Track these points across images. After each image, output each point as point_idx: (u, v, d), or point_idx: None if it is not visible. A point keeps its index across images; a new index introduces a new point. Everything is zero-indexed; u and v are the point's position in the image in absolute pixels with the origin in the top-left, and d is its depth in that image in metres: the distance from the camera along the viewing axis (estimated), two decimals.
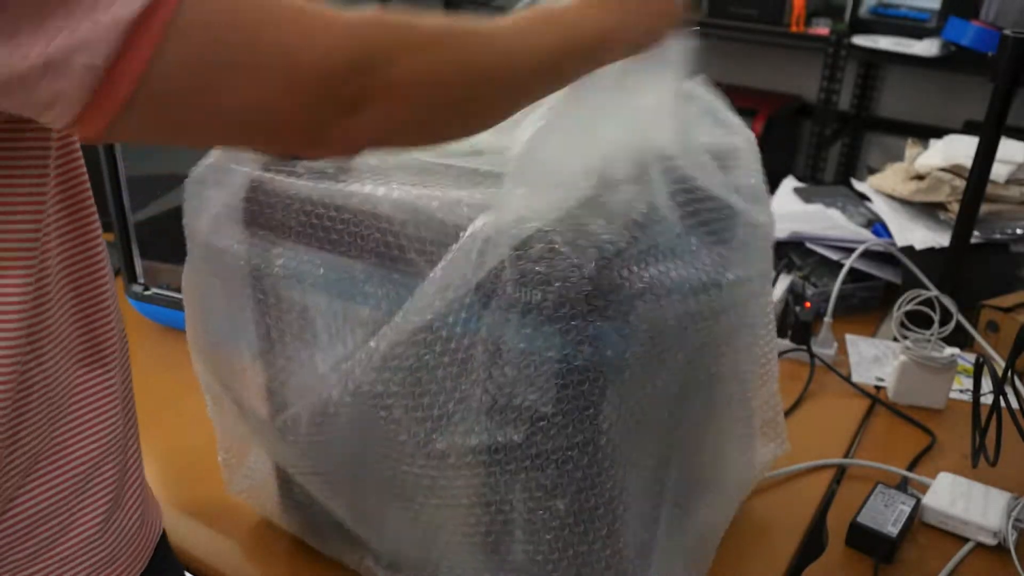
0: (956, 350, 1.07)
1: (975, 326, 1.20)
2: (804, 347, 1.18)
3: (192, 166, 0.73)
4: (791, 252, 1.37)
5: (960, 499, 0.89)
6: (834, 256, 1.33)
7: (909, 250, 1.28)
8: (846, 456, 1.01)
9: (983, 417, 0.91)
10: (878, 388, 1.14)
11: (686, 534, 0.74)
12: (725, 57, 3.12)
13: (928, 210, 1.35)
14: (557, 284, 0.57)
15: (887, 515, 0.86)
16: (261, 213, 0.69)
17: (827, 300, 1.24)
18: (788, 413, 0.93)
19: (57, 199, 0.58)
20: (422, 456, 0.66)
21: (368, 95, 0.47)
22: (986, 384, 0.91)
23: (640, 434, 0.63)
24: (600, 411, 0.59)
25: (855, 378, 1.16)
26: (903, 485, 0.92)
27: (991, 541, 0.86)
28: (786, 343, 1.19)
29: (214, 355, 0.78)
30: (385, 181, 0.64)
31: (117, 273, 1.20)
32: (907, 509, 0.87)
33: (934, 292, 1.12)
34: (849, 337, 1.25)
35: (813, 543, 0.88)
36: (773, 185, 1.36)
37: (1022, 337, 0.93)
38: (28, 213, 0.54)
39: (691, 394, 0.70)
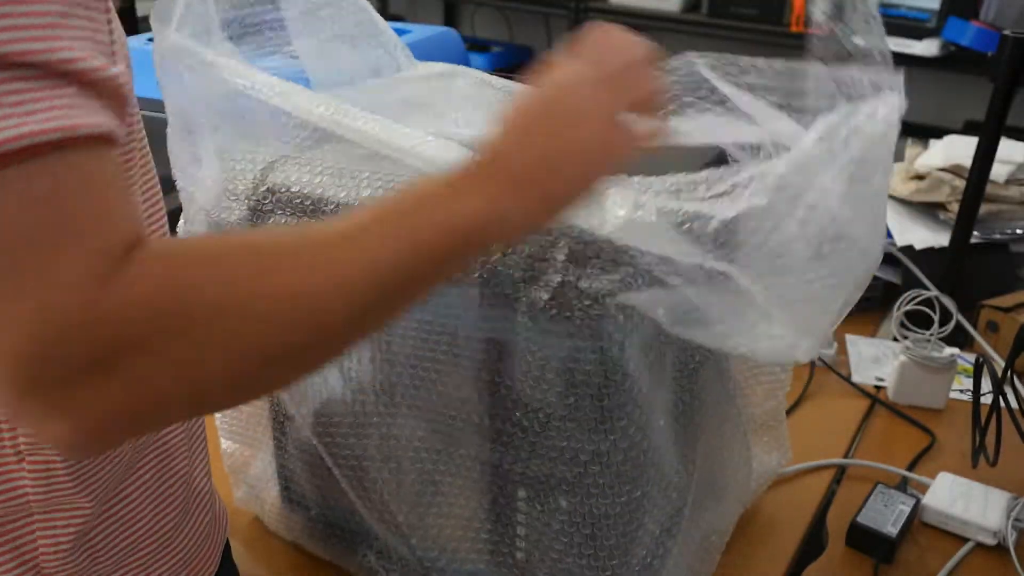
0: (956, 350, 1.07)
1: (975, 326, 1.20)
2: None
3: None
4: None
5: (960, 499, 0.89)
6: None
7: (909, 250, 1.27)
8: (846, 456, 1.01)
9: (983, 417, 0.91)
10: (878, 388, 1.14)
11: (691, 542, 0.74)
12: None
13: (928, 210, 1.34)
14: (565, 284, 0.57)
15: (887, 515, 0.86)
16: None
17: None
18: (788, 413, 0.93)
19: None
20: (429, 452, 0.66)
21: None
22: (986, 384, 0.91)
23: (647, 438, 0.63)
24: (609, 415, 0.59)
25: (855, 378, 1.16)
26: (903, 485, 0.92)
27: (991, 541, 0.86)
28: None
29: None
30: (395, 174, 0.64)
31: None
32: (907, 509, 0.87)
33: (934, 292, 1.12)
34: (849, 337, 1.25)
35: (813, 543, 0.88)
36: None
37: (1022, 337, 0.93)
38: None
39: (699, 399, 0.70)
